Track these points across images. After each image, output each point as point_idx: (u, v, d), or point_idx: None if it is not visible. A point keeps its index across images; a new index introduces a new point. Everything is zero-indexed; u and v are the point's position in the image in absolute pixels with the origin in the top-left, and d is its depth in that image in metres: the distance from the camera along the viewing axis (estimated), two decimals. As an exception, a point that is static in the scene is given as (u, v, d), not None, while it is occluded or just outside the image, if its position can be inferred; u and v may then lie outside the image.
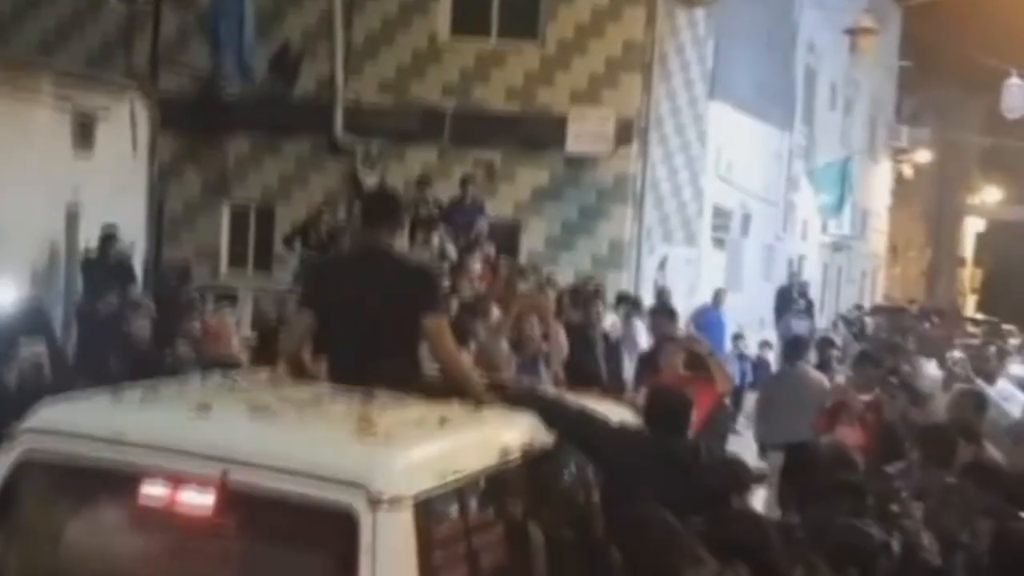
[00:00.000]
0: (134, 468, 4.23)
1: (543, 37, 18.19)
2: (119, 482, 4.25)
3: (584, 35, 17.99)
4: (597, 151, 17.79)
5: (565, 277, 16.80)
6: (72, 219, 15.26)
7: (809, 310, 23.52)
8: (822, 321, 26.54)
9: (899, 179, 41.08)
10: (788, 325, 21.44)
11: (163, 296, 14.24)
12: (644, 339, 13.69)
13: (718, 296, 18.63)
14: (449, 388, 5.25)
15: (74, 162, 15.39)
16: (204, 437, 4.28)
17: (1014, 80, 27.21)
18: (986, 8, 31.26)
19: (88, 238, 14.91)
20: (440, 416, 4.69)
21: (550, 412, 5.16)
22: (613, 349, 13.15)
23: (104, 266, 14.24)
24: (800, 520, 5.39)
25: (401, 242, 5.80)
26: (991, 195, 51.64)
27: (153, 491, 4.19)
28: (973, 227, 52.35)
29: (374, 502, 4.00)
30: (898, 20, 35.69)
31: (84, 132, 15.55)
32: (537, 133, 17.87)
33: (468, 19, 18.47)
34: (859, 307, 31.39)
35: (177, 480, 4.16)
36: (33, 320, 10.23)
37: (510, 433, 4.87)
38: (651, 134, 18.40)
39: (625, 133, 17.87)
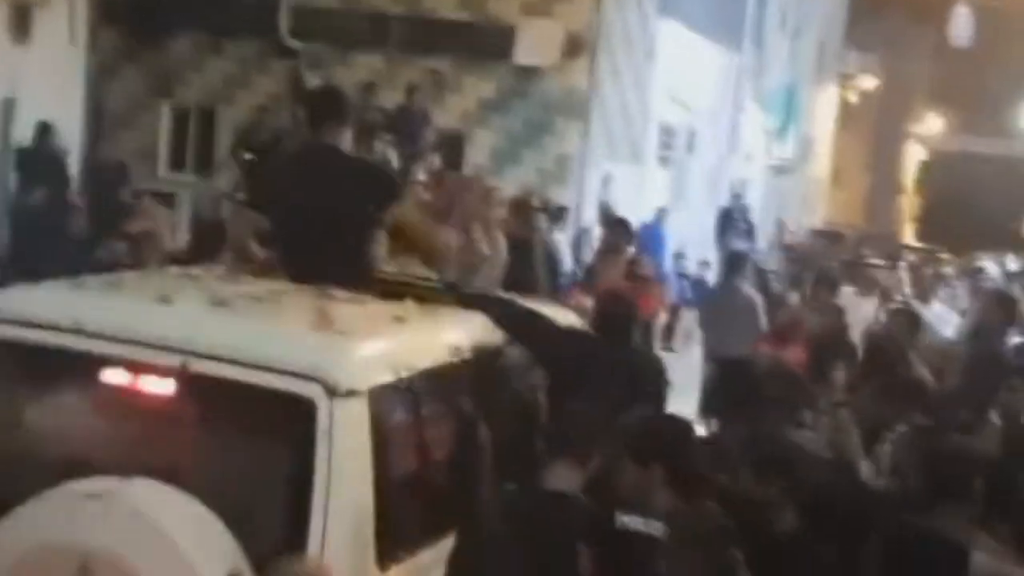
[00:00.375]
0: (94, 356, 4.33)
1: (495, -55, 17.96)
2: (79, 370, 4.35)
3: (536, -55, 17.79)
4: (545, 63, 17.66)
5: (510, 190, 16.72)
6: (8, 110, 14.94)
7: (750, 232, 23.63)
8: (762, 243, 26.69)
9: (844, 104, 41.20)
10: (729, 246, 21.54)
11: (99, 194, 14.07)
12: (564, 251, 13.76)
13: (660, 215, 18.68)
14: (401, 287, 5.40)
15: (9, 53, 15.02)
16: (165, 327, 4.37)
17: (961, 8, 27.32)
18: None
19: (23, 132, 14.62)
20: (394, 314, 4.84)
21: (500, 312, 5.31)
22: (552, 262, 13.17)
23: (38, 160, 13.98)
24: (726, 430, 5.47)
25: (347, 142, 5.72)
26: (934, 124, 51.98)
27: (114, 379, 4.30)
28: (915, 155, 52.74)
29: (331, 393, 4.15)
30: (850, -57, 35.60)
31: (20, 23, 15.15)
32: (486, 43, 17.69)
33: (419, -76, 18.18)
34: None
35: (138, 369, 4.27)
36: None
37: (461, 332, 5.03)
38: (600, 49, 18.27)
39: (574, 46, 17.75)
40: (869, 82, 41.74)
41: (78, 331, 4.38)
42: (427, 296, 5.40)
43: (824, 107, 38.66)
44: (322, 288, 5.00)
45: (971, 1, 27.89)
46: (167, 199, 15.70)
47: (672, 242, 19.73)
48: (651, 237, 17.67)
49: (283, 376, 4.19)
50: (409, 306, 5.06)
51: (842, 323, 9.67)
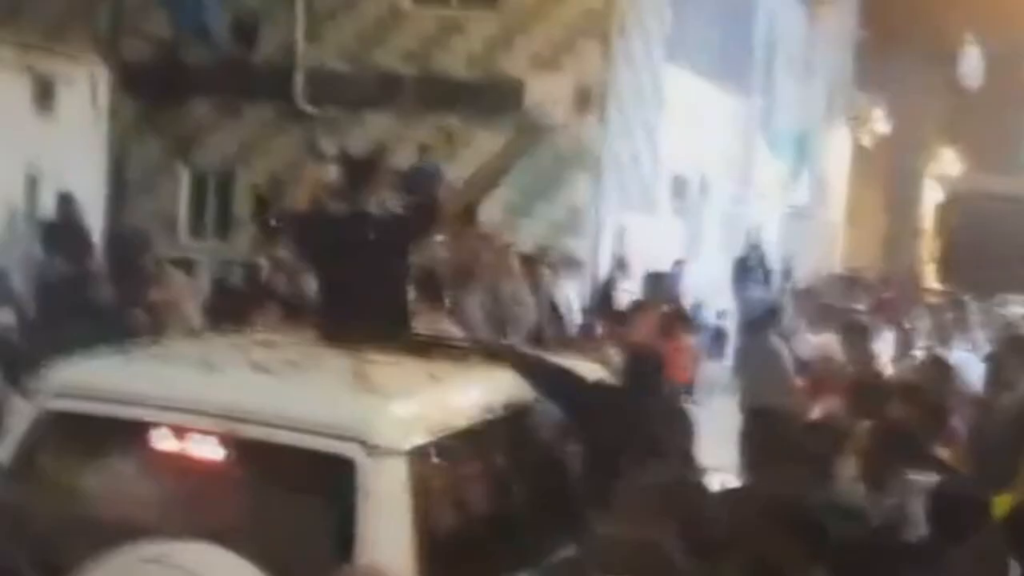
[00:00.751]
0: (144, 423, 4.51)
1: (503, 4, 18.26)
2: (130, 437, 4.54)
3: (544, 2, 18.08)
4: (556, 116, 17.87)
5: (524, 243, 16.99)
6: (32, 184, 15.26)
7: (767, 279, 23.70)
8: (779, 289, 26.76)
9: (858, 147, 41.33)
10: (745, 294, 21.64)
11: (121, 263, 14.32)
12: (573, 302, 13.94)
13: (676, 266, 18.84)
14: (432, 345, 5.58)
15: (34, 129, 15.37)
16: (210, 393, 4.56)
17: (971, 49, 27.46)
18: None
19: (47, 204, 14.91)
20: (428, 372, 4.99)
21: (529, 369, 5.38)
22: (556, 314, 13.41)
23: (61, 231, 14.25)
24: (759, 483, 5.45)
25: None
26: (950, 164, 51.99)
27: (163, 444, 4.49)
28: (932, 196, 52.71)
29: (370, 452, 4.32)
30: (858, -11, 35.88)
31: (44, 99, 15.52)
32: (496, 99, 17.94)
33: (429, -14, 18.52)
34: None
35: (186, 434, 4.47)
36: (-1, 290, 10.31)
37: (494, 389, 5.14)
38: (610, 101, 18.51)
39: (584, 100, 17.94)
40: (882, 124, 41.87)
41: (128, 400, 4.60)
42: (458, 354, 5.55)
43: (837, 150, 38.82)
44: (357, 348, 5.15)
45: (981, 41, 27.99)
46: (187, 265, 15.93)
47: (689, 292, 19.84)
48: (667, 288, 17.83)
49: (324, 437, 4.36)
50: (442, 364, 5.21)
51: (878, 370, 9.65)
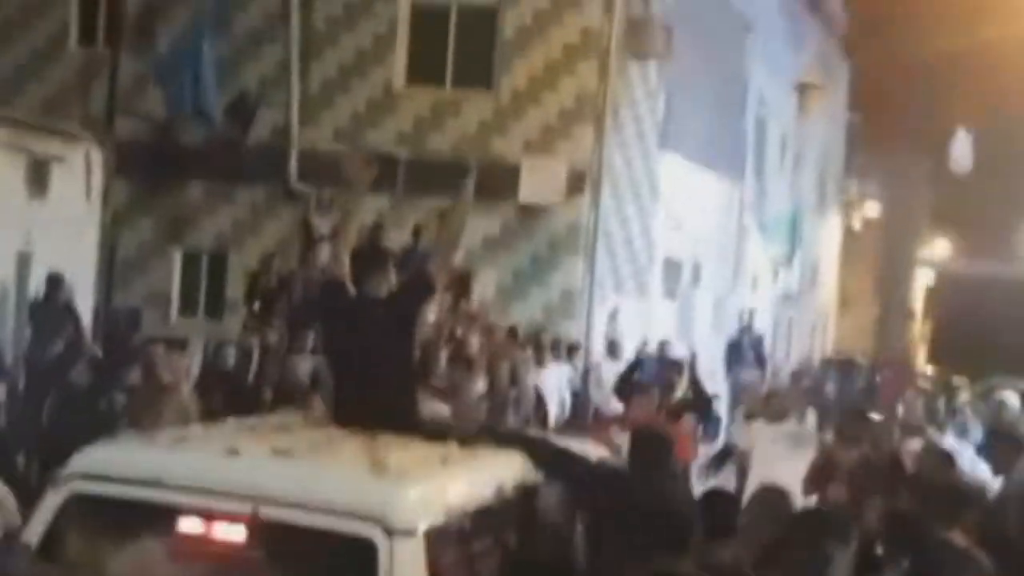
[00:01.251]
0: (171, 507, 4.68)
1: (497, 87, 18.40)
2: (157, 520, 4.68)
3: (538, 86, 18.23)
4: (549, 201, 17.96)
5: (517, 326, 17.01)
6: (23, 264, 15.21)
7: (760, 363, 23.69)
8: (771, 373, 26.74)
9: (848, 232, 41.56)
10: (738, 378, 21.61)
11: (112, 342, 14.25)
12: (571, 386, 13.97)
13: (662, 348, 18.82)
14: (443, 428, 5.80)
15: (27, 209, 15.35)
16: (235, 477, 4.73)
17: (961, 134, 27.73)
18: (933, 64, 31.87)
19: (38, 284, 14.86)
20: (441, 455, 5.19)
21: (534, 452, 5.55)
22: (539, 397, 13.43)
23: (50, 313, 14.18)
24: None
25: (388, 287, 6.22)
26: (940, 248, 52.26)
27: (189, 528, 4.64)
28: (923, 280, 52.92)
29: (390, 533, 4.48)
30: (846, 75, 36.26)
31: (38, 179, 15.53)
32: (490, 182, 17.91)
33: (423, 68, 18.67)
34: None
35: (211, 517, 4.60)
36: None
37: (503, 471, 5.32)
38: (603, 185, 18.60)
39: (577, 183, 18.07)
40: (872, 209, 42.17)
41: (156, 484, 4.71)
42: (465, 437, 5.68)
43: (828, 234, 39.02)
44: (370, 433, 5.35)
45: (970, 128, 28.25)
46: (178, 345, 15.85)
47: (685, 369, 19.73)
48: (655, 371, 17.75)
49: (345, 519, 4.52)
50: (452, 448, 5.39)
51: (883, 454, 9.51)
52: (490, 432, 5.94)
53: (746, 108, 26.87)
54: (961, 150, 28.42)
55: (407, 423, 5.65)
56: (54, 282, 14.33)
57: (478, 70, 18.58)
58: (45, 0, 19.74)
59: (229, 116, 18.77)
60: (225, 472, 4.77)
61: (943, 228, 50.65)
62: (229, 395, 12.19)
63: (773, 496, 6.47)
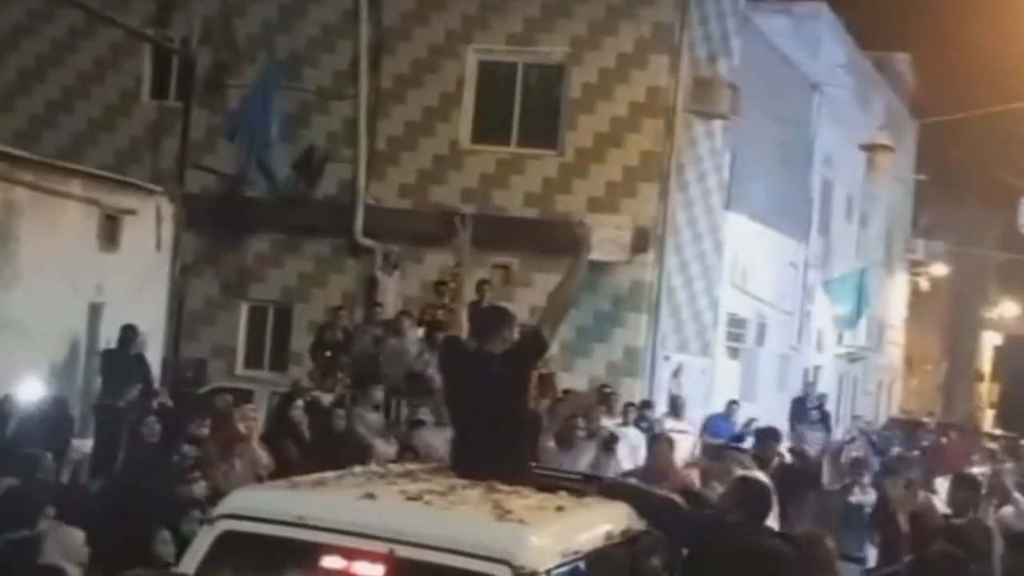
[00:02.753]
0: (316, 545, 5.11)
1: (562, 145, 18.47)
2: (303, 557, 5.12)
3: (602, 144, 18.27)
4: (613, 258, 17.94)
5: (580, 383, 17.00)
6: (95, 316, 15.47)
7: (825, 421, 23.46)
8: (838, 433, 26.46)
9: (915, 292, 41.16)
10: (802, 436, 21.39)
11: (180, 393, 14.41)
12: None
13: (730, 408, 18.70)
14: (551, 480, 6.20)
15: (99, 260, 15.65)
16: (374, 519, 5.16)
17: (1030, 197, 27.44)
18: (1002, 125, 31.60)
19: (109, 335, 15.08)
20: (555, 504, 5.64)
21: (638, 501, 5.95)
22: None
23: (123, 363, 14.37)
24: None
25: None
26: (1008, 309, 51.61)
27: (332, 565, 5.05)
28: (990, 341, 52.25)
29: (517, 573, 4.89)
30: (914, 134, 36.06)
31: (110, 231, 15.85)
32: (554, 239, 18.00)
33: (489, 127, 18.80)
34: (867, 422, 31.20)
35: (352, 555, 5.03)
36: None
37: (612, 519, 5.77)
38: (667, 243, 18.58)
39: (641, 241, 18.05)
40: (939, 269, 41.77)
41: (300, 524, 5.15)
42: (574, 488, 6.13)
43: (895, 294, 38.68)
44: (488, 482, 5.77)
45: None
46: (244, 396, 16.00)
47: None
48: (721, 429, 17.66)
49: (474, 559, 4.91)
50: (565, 496, 5.81)
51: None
52: (596, 482, 6.31)
53: (812, 167, 26.79)
54: (1030, 212, 28.07)
55: (521, 473, 6.06)
56: (128, 333, 14.54)
57: (543, 127, 18.67)
58: (119, 54, 20.12)
59: (296, 170, 19.02)
60: (364, 514, 5.20)
61: (1010, 289, 50.04)
62: (296, 447, 12.26)
63: None
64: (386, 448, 12.54)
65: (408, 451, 11.42)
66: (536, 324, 6.58)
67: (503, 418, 6.22)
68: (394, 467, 6.61)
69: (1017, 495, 12.27)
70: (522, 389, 6.48)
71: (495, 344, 6.38)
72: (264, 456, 11.21)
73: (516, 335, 6.59)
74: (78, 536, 6.99)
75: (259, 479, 10.13)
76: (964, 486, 9.71)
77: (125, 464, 10.43)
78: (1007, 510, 10.92)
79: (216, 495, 9.79)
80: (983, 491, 10.59)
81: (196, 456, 10.58)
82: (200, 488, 9.96)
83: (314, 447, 12.18)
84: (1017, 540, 7.93)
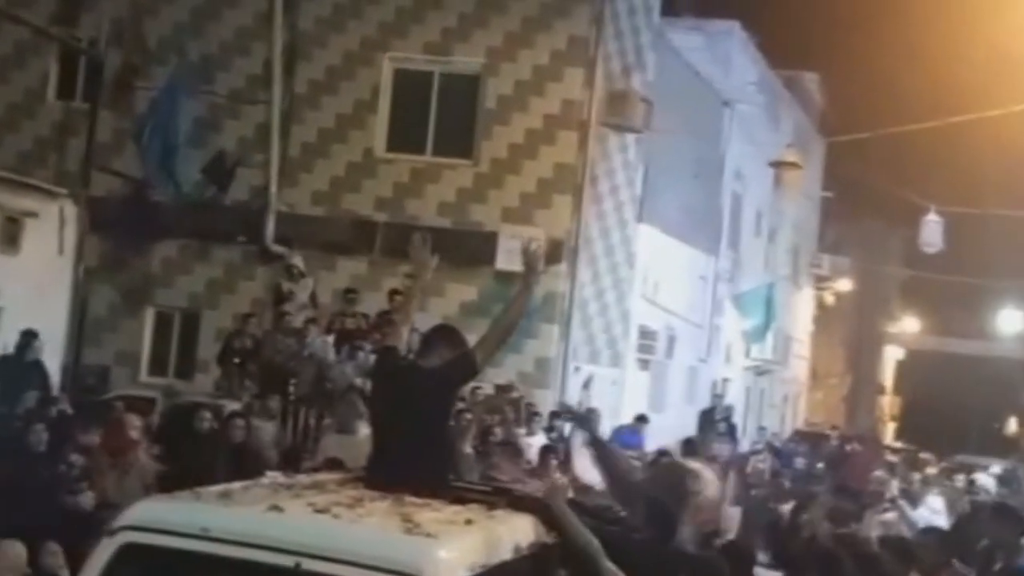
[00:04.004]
0: (219, 558, 5.00)
1: (477, 155, 18.43)
2: (205, 570, 5.02)
3: (517, 155, 18.27)
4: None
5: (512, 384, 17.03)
6: (-7, 318, 15.07)
7: (731, 433, 23.66)
8: (744, 445, 26.72)
9: (821, 306, 41.77)
10: (710, 448, 21.53)
11: (80, 400, 14.06)
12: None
13: (639, 420, 18.79)
14: (462, 492, 6.19)
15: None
16: (281, 532, 5.08)
17: (932, 216, 27.88)
18: (906, 145, 32.20)
19: (7, 340, 14.69)
20: (464, 517, 5.58)
21: (547, 513, 5.88)
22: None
23: (19, 367, 14.01)
24: None
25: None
26: (910, 325, 52.60)
27: None
28: (893, 355, 53.20)
29: None
30: (821, 151, 36.62)
31: (11, 234, 15.46)
32: (468, 249, 17.99)
33: (404, 135, 18.70)
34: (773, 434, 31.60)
35: (257, 571, 4.94)
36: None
37: (520, 532, 5.73)
38: (580, 254, 18.61)
39: (555, 252, 18.05)
40: (844, 284, 42.45)
41: (204, 537, 5.03)
42: (485, 500, 6.09)
43: (802, 308, 39.21)
44: (398, 495, 5.73)
45: (941, 208, 28.41)
46: (147, 404, 15.70)
47: (651, 445, 19.70)
48: (629, 441, 17.70)
49: (383, 573, 4.88)
50: (475, 509, 5.76)
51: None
52: (506, 494, 6.21)
53: (722, 182, 27.07)
54: (932, 231, 28.48)
55: (435, 486, 6.03)
56: (26, 338, 14.18)
57: (458, 137, 18.61)
58: (24, 53, 19.69)
59: (207, 175, 18.74)
60: (269, 527, 5.11)
61: (915, 305, 51.01)
62: (197, 457, 12.00)
63: None
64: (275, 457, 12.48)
65: (329, 460, 11.18)
66: (474, 345, 6.49)
67: (422, 432, 6.19)
68: (302, 478, 6.51)
69: (902, 502, 12.64)
70: (444, 407, 6.47)
71: (430, 360, 6.31)
72: (152, 465, 10.98)
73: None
74: (19, 549, 6.79)
75: (147, 489, 9.89)
76: (845, 498, 10.19)
77: (10, 473, 10.12)
78: (889, 516, 11.19)
79: (104, 505, 9.63)
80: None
81: (83, 466, 10.31)
82: (87, 498, 9.74)
83: (211, 456, 11.93)
84: (892, 544, 8.19)
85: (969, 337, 48.11)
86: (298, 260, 17.86)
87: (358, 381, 14.22)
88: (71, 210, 16.89)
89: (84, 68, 19.11)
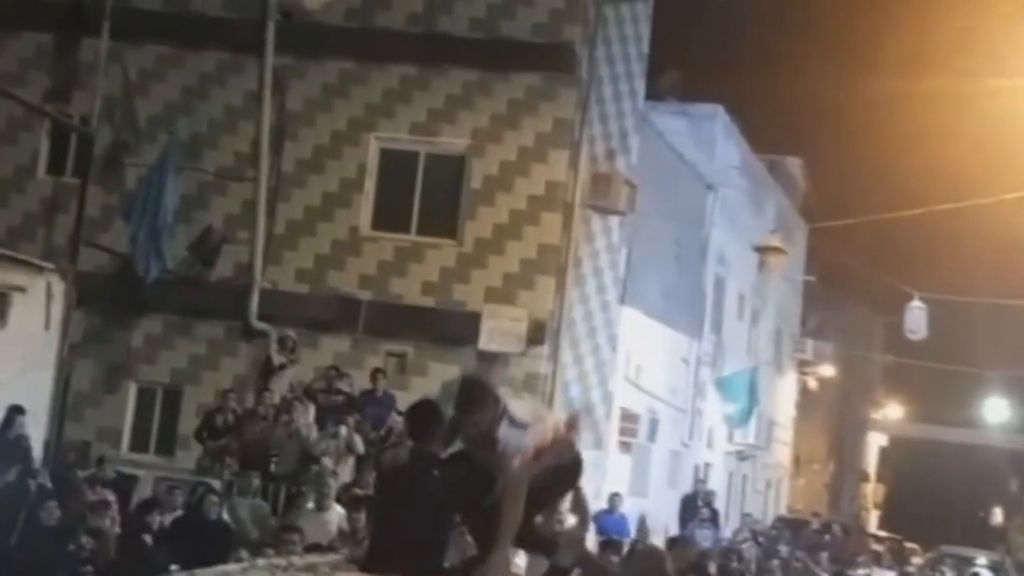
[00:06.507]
0: None
1: (461, 235, 18.56)
2: None
3: (501, 235, 18.38)
4: (509, 350, 18.01)
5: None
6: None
7: (714, 519, 23.60)
8: (726, 531, 26.62)
9: (804, 391, 41.81)
10: (692, 533, 21.48)
11: (60, 476, 14.04)
12: None
13: (613, 501, 18.78)
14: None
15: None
16: None
17: (916, 303, 28.03)
18: (890, 232, 32.51)
19: (-9, 413, 14.67)
20: None
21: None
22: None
23: (2, 442, 13.99)
24: None
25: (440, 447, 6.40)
26: (894, 411, 52.61)
27: None
28: (876, 442, 53.13)
29: None
30: (804, 235, 36.90)
31: (-2, 308, 15.49)
32: (451, 328, 18.09)
33: (389, 214, 18.83)
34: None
35: None
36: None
37: None
38: (562, 336, 18.68)
39: (537, 333, 18.13)
40: (827, 369, 42.53)
41: None
42: None
43: (784, 393, 39.23)
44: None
45: (925, 296, 28.57)
46: (128, 480, 15.66)
47: (633, 528, 19.68)
48: (613, 523, 17.69)
49: None
50: None
51: None
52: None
53: (705, 265, 27.25)
54: (916, 318, 28.59)
55: (433, 571, 6.03)
56: (12, 413, 14.18)
57: (443, 217, 18.75)
58: (15, 128, 19.86)
59: (193, 252, 18.84)
60: None
61: (896, 392, 51.05)
62: (177, 535, 12.00)
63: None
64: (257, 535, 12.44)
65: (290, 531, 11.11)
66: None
67: (430, 520, 6.13)
68: (296, 560, 6.54)
69: None
70: (455, 501, 6.35)
71: (429, 441, 6.26)
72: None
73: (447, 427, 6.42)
74: None
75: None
76: None
77: (19, 550, 10.10)
78: None
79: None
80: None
81: (92, 548, 10.32)
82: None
83: (186, 534, 11.93)
84: None
85: (954, 425, 48.11)
86: (291, 332, 17.94)
87: (328, 461, 14.28)
88: (58, 285, 16.93)
89: (75, 144, 19.29)
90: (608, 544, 12.09)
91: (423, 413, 6.57)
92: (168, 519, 12.62)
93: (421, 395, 17.64)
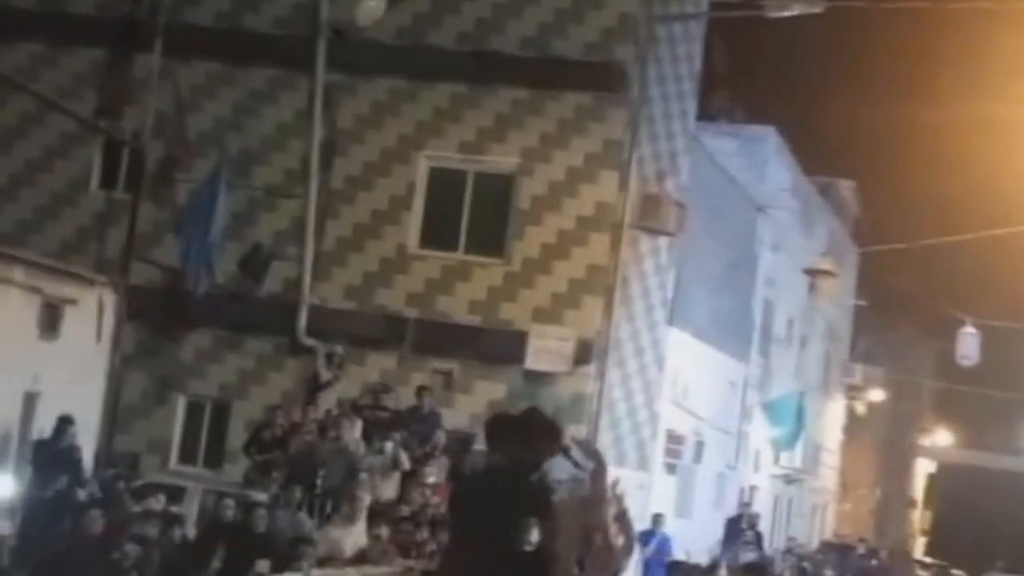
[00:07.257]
0: None
1: (509, 255, 18.56)
2: None
3: (549, 255, 18.36)
4: (555, 369, 17.97)
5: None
6: (30, 405, 15.23)
7: (758, 541, 23.45)
8: (770, 554, 26.45)
9: (852, 416, 41.46)
10: (736, 555, 21.37)
11: (109, 486, 14.16)
12: None
13: (656, 521, 18.68)
14: None
15: (38, 349, 15.46)
16: None
17: (968, 329, 27.78)
18: (942, 257, 32.21)
19: (44, 425, 14.84)
20: None
21: None
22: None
23: (53, 452, 14.13)
24: None
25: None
26: (942, 437, 52.07)
27: None
28: (924, 468, 52.58)
29: None
30: (855, 259, 36.65)
31: (51, 320, 15.68)
32: (497, 347, 18.08)
33: (437, 232, 18.87)
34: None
35: None
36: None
37: None
38: (609, 356, 18.61)
39: (584, 353, 18.09)
40: (876, 394, 42.16)
41: None
42: None
43: (832, 417, 38.93)
44: None
45: (977, 320, 28.31)
46: (176, 493, 15.74)
47: (678, 550, 19.58)
48: (658, 543, 17.63)
49: None
50: None
51: None
52: None
53: (754, 288, 27.11)
54: (968, 344, 28.30)
55: None
56: (63, 424, 14.33)
57: (491, 236, 18.75)
58: (69, 143, 20.09)
59: (242, 268, 18.98)
60: None
61: (945, 418, 50.53)
62: (225, 546, 12.07)
63: None
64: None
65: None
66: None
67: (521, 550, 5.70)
68: (351, 571, 6.54)
69: None
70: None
71: (542, 456, 5.88)
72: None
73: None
74: None
75: None
76: None
77: (62, 555, 10.20)
78: None
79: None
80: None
81: (136, 556, 10.40)
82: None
83: (237, 546, 12.01)
84: None
85: (1002, 452, 47.57)
86: (339, 348, 18.00)
87: (367, 476, 14.33)
88: (110, 298, 17.14)
89: (127, 159, 19.50)
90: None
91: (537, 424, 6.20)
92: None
93: (466, 415, 17.82)
